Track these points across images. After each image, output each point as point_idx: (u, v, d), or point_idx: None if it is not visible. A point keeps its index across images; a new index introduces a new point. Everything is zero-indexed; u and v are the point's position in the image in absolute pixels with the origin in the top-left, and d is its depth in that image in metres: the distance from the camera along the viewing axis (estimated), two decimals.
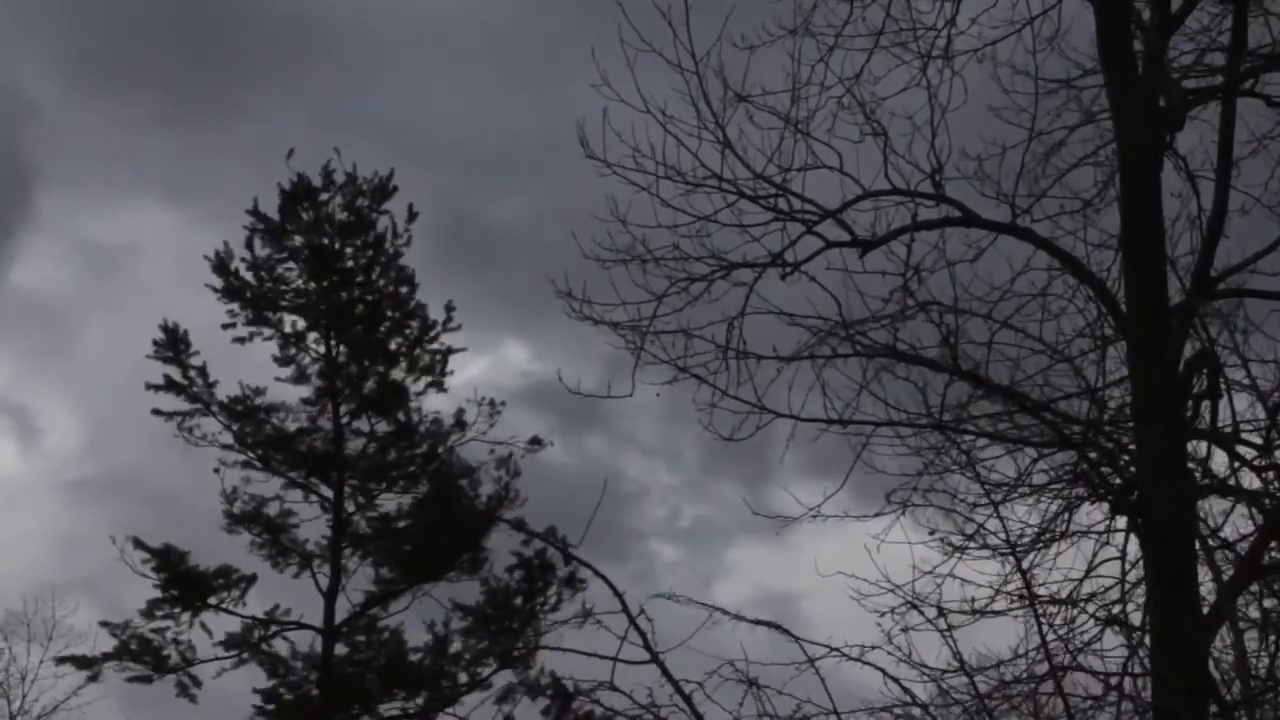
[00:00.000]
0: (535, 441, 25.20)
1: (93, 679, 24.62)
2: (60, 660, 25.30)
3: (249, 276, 25.12)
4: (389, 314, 25.43)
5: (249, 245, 25.17)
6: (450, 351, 25.57)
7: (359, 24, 48.24)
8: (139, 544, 24.21)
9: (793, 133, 10.67)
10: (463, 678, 24.51)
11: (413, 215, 25.72)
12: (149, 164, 47.28)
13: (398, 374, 25.29)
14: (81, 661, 24.54)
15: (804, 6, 11.05)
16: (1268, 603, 10.56)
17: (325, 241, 25.29)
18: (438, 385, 25.53)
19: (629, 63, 10.43)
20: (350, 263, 25.47)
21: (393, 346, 25.34)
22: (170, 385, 24.74)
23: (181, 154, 48.08)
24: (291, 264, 25.36)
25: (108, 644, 24.24)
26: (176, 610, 24.35)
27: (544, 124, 45.14)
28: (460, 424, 25.20)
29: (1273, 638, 10.37)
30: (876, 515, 10.64)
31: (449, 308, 25.63)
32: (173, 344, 24.87)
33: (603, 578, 8.69)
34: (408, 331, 25.43)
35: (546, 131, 43.08)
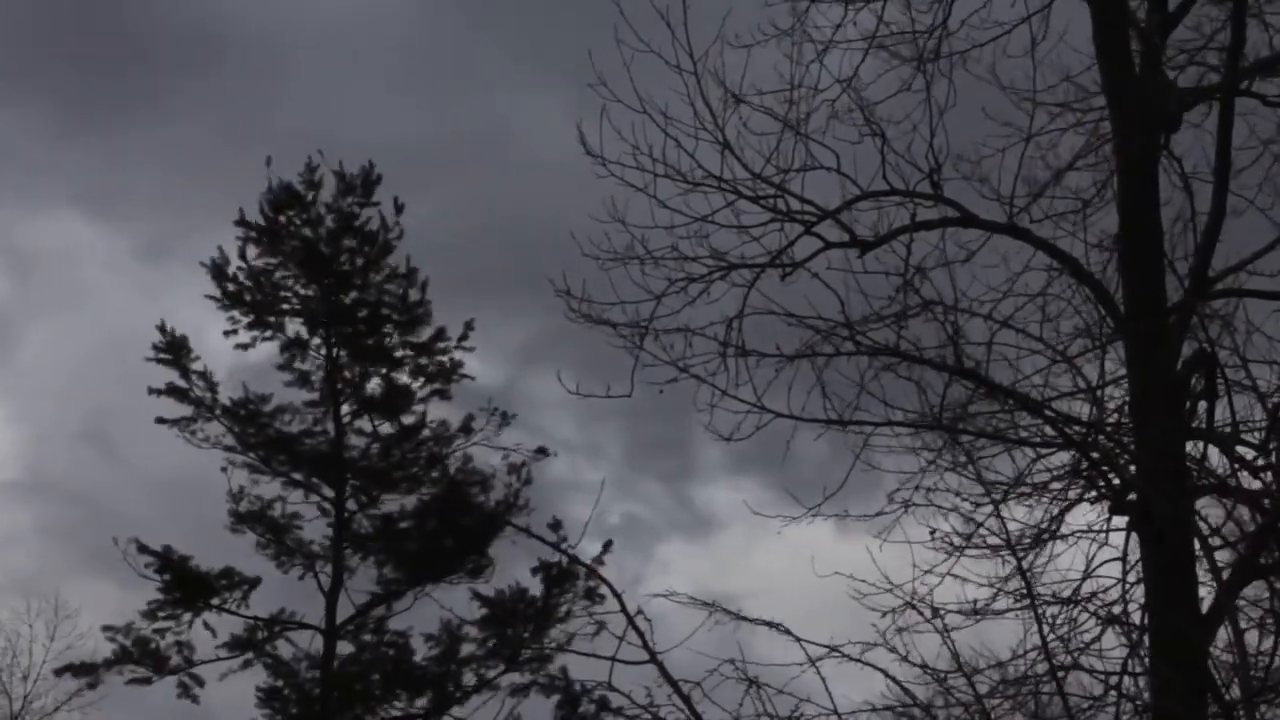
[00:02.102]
0: (540, 451, 25.24)
1: (91, 686, 24.65)
2: (59, 671, 25.31)
3: (248, 283, 25.15)
4: (392, 316, 25.42)
5: (242, 255, 25.20)
6: (458, 366, 25.59)
7: (261, 31, 48.90)
8: (142, 548, 24.22)
9: (790, 133, 10.69)
10: (469, 679, 24.51)
11: (399, 207, 25.65)
12: (59, 172, 47.65)
13: (401, 376, 25.33)
14: (81, 670, 24.52)
15: (799, 7, 11.07)
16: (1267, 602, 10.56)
17: (318, 244, 25.25)
18: (442, 394, 25.56)
19: (625, 63, 10.44)
20: (346, 265, 25.47)
21: (396, 349, 25.35)
22: (172, 390, 24.75)
23: (90, 163, 48.43)
24: (286, 270, 25.36)
25: (106, 649, 24.33)
26: (178, 611, 24.36)
27: (449, 129, 45.90)
28: (467, 429, 25.24)
29: (1272, 638, 10.37)
30: (877, 514, 10.63)
31: (468, 325, 25.60)
32: (172, 348, 24.87)
33: (602, 578, 8.69)
34: (414, 335, 25.45)
35: (451, 136, 43.84)
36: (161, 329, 24.88)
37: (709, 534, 37.99)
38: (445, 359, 25.44)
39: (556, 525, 20.83)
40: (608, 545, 23.75)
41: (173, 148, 48.58)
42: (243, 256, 25.18)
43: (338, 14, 47.66)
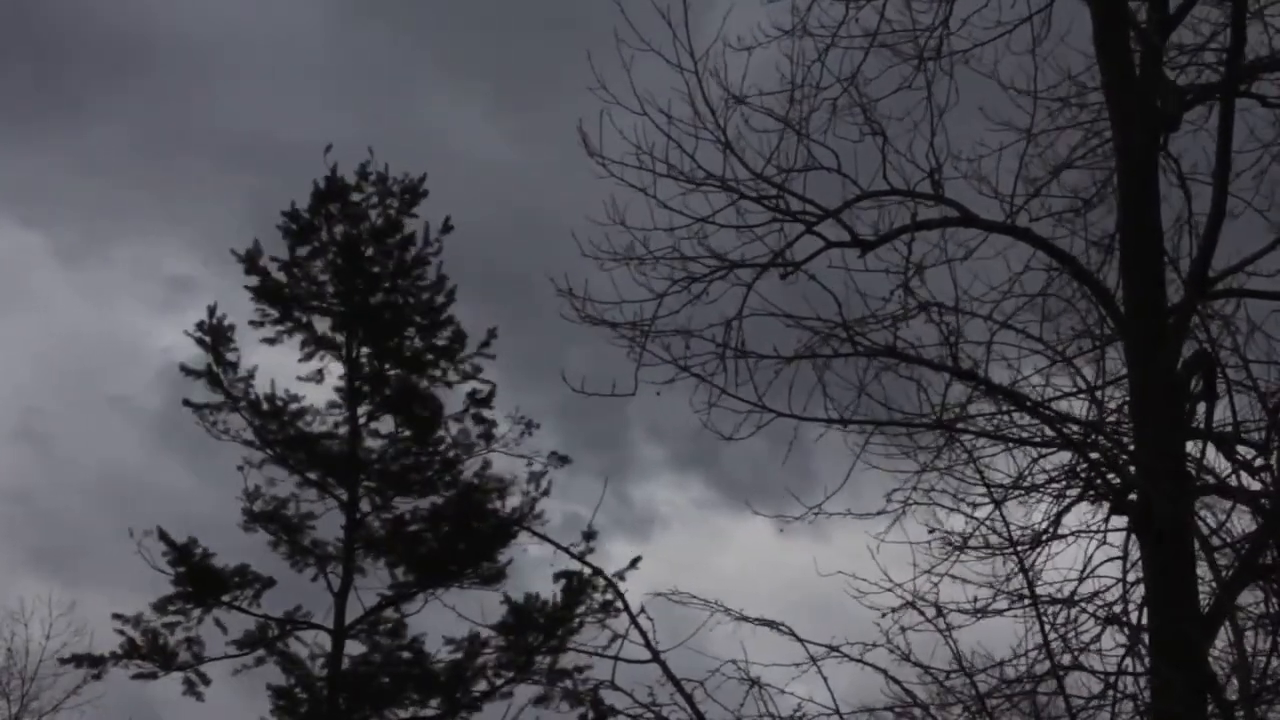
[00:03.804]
0: (561, 459, 25.19)
1: (97, 678, 24.59)
2: (64, 661, 25.27)
3: (281, 276, 25.10)
4: (417, 319, 25.40)
5: (292, 250, 25.09)
6: (477, 373, 25.57)
7: (186, 36, 49.43)
8: (162, 536, 24.18)
9: (791, 133, 10.70)
10: (480, 685, 24.47)
11: (448, 227, 25.68)
12: None
13: (422, 380, 25.30)
14: (87, 660, 24.45)
15: (800, 7, 11.08)
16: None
17: (357, 244, 25.25)
18: (477, 404, 25.50)
19: (625, 64, 10.45)
20: (378, 267, 25.45)
21: (421, 353, 25.32)
22: (206, 373, 24.67)
23: (18, 165, 48.59)
24: (320, 263, 25.33)
25: (114, 640, 24.27)
26: (189, 607, 24.32)
27: (375, 130, 46.26)
28: (489, 436, 25.20)
29: (1272, 638, 10.37)
30: (879, 514, 10.64)
31: (491, 333, 25.58)
32: (215, 333, 24.82)
33: (605, 577, 8.69)
34: (438, 340, 25.44)
35: (376, 138, 44.09)
36: (211, 312, 24.81)
37: (651, 533, 38.06)
38: (467, 365, 25.47)
39: (590, 535, 20.76)
40: (636, 561, 23.66)
41: (100, 151, 49.34)
42: (292, 251, 25.12)
43: (259, 21, 48.52)
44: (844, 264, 10.63)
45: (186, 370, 24.77)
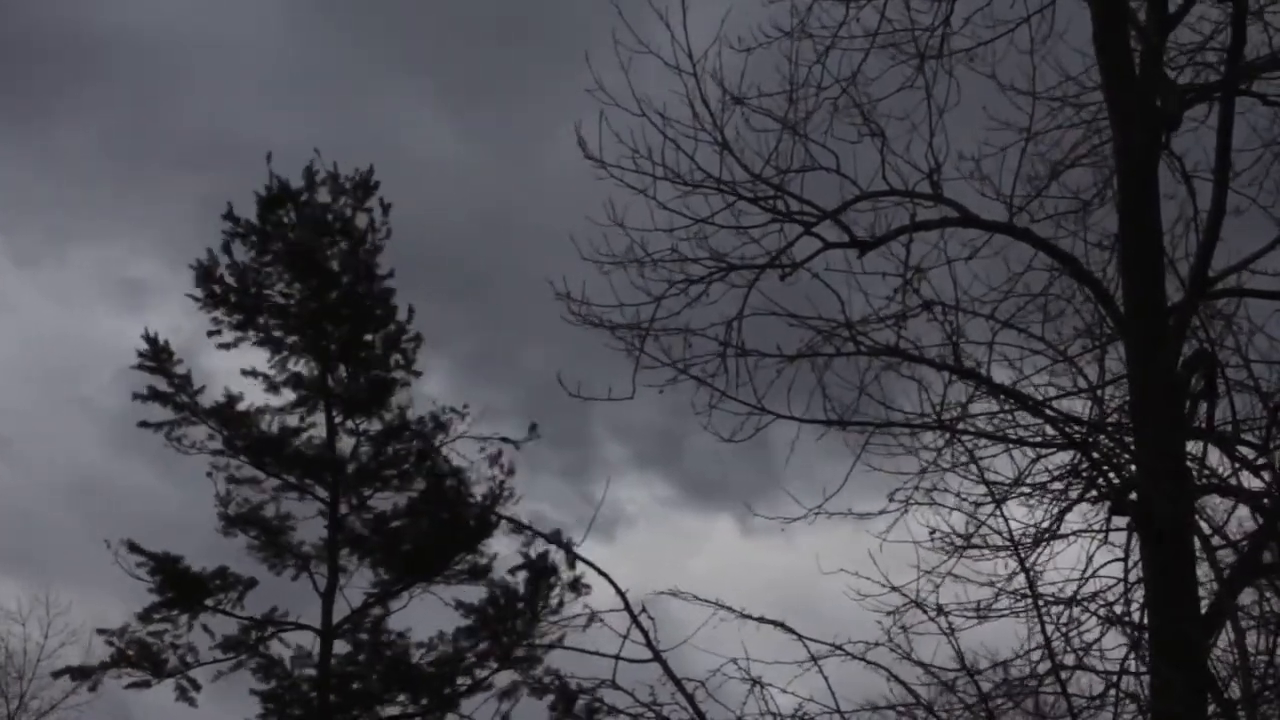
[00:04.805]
0: (531, 427, 25.26)
1: (91, 689, 24.61)
2: (57, 674, 25.29)
3: (233, 282, 25.15)
4: (375, 312, 25.48)
5: (226, 250, 25.22)
6: (417, 344, 25.66)
7: (141, 39, 49.70)
8: (134, 548, 24.20)
9: (790, 134, 10.69)
10: (464, 680, 24.50)
11: (386, 208, 25.85)
12: None
13: (382, 372, 25.37)
14: (79, 672, 24.47)
15: (800, 7, 11.07)
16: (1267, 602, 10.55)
17: (309, 244, 25.35)
18: (406, 383, 25.60)
19: (624, 65, 10.44)
20: (334, 264, 25.49)
21: (376, 346, 25.40)
22: (156, 395, 24.74)
23: None
24: (273, 268, 25.38)
25: (104, 651, 24.30)
26: (174, 613, 24.32)
27: (328, 131, 46.45)
28: (440, 424, 25.23)
29: (1273, 638, 10.36)
30: (881, 513, 10.61)
31: (410, 310, 25.84)
32: (155, 354, 24.88)
33: (605, 576, 8.67)
34: (388, 330, 25.51)
35: (330, 138, 44.05)
36: (146, 337, 25.01)
37: (617, 532, 38.16)
38: (410, 347, 25.55)
39: (557, 534, 20.78)
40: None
41: (58, 152, 49.35)
42: (227, 251, 25.25)
43: (216, 23, 48.66)
44: (846, 266, 10.61)
45: (138, 395, 24.84)
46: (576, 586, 24.27)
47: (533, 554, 24.47)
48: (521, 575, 24.68)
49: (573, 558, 9.69)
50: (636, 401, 10.48)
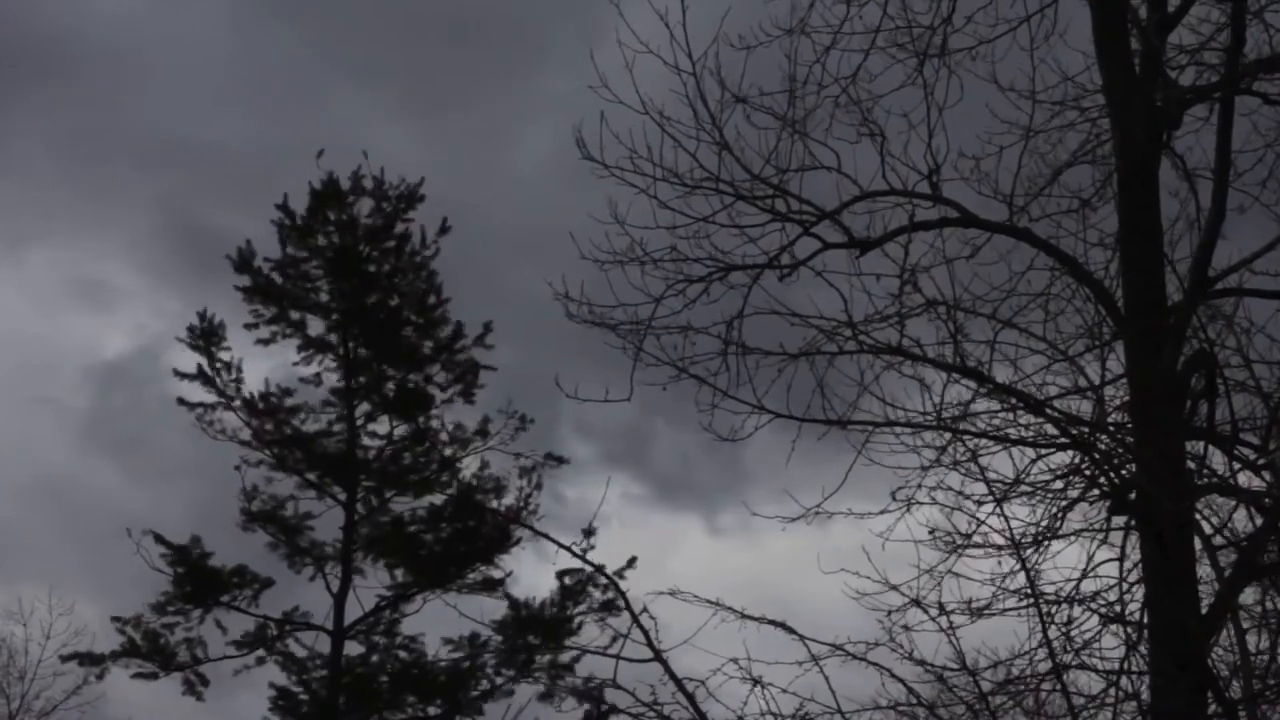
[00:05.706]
0: (557, 459, 25.16)
1: (99, 677, 24.57)
2: (66, 659, 25.24)
3: (275, 276, 25.11)
4: (412, 319, 25.38)
5: (282, 243, 25.11)
6: (478, 365, 25.54)
7: (98, 40, 50.79)
8: (159, 539, 24.17)
9: (790, 133, 10.68)
10: (482, 685, 24.44)
11: (445, 228, 25.74)
12: None
13: (418, 379, 25.28)
14: (88, 659, 24.40)
15: (800, 6, 11.06)
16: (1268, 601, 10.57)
17: (353, 245, 25.27)
18: (465, 395, 25.50)
19: (626, 64, 10.43)
20: (374, 267, 25.43)
21: (416, 351, 25.29)
22: (199, 375, 24.69)
23: None
24: (316, 264, 25.35)
25: (114, 640, 24.27)
26: (188, 607, 24.28)
27: (286, 134, 46.60)
28: (484, 433, 25.17)
29: (1273, 637, 10.37)
30: (882, 513, 10.61)
31: (486, 326, 25.72)
32: (206, 334, 24.81)
33: (607, 576, 8.67)
34: (434, 339, 25.40)
35: (287, 141, 44.63)
36: (201, 315, 24.92)
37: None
38: (464, 358, 25.47)
39: (590, 532, 20.77)
40: (632, 560, 23.60)
41: (17, 154, 49.88)
42: (283, 245, 25.19)
43: (166, 25, 49.32)
44: (847, 266, 10.61)
45: (180, 373, 24.80)
46: (609, 607, 23.91)
47: (572, 568, 24.25)
48: (555, 586, 24.55)
49: (577, 558, 9.78)
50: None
